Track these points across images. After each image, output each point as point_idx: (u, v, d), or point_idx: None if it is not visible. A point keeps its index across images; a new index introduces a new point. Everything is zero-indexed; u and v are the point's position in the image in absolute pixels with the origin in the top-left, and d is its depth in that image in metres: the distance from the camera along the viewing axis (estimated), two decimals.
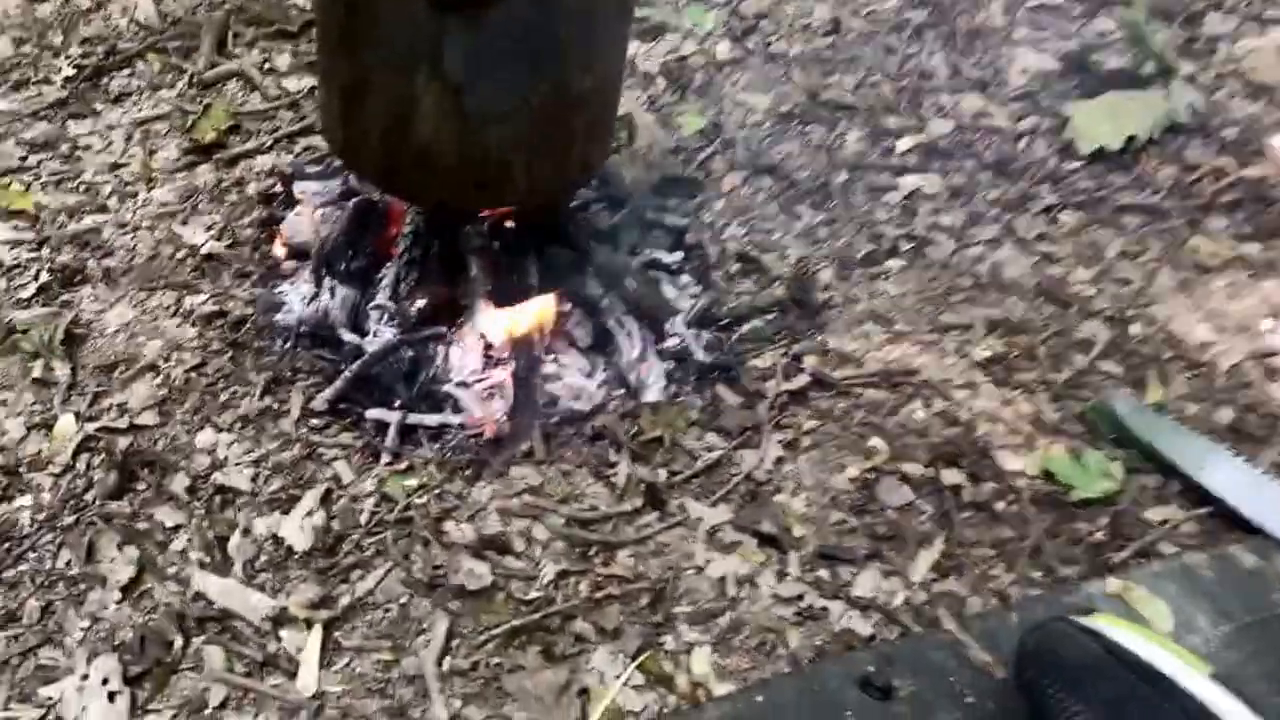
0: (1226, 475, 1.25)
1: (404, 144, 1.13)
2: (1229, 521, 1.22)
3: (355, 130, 1.19)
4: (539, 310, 1.31)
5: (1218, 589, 1.14)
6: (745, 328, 1.43)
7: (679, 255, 1.52)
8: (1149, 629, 0.90)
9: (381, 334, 1.30)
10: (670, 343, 1.38)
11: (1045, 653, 0.92)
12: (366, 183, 1.38)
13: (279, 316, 1.36)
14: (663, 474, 1.24)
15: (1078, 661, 0.89)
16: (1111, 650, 0.88)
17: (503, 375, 1.27)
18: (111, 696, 1.01)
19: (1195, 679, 0.85)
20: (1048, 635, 0.93)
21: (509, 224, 1.32)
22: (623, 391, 1.32)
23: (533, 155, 1.16)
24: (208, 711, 1.02)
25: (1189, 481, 1.26)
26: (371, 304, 1.33)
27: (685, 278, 1.50)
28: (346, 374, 1.27)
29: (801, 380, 1.36)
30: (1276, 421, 1.37)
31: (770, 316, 1.45)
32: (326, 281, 1.34)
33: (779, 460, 1.27)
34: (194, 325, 1.36)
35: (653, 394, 1.31)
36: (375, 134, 1.16)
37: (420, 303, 1.29)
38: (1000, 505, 1.24)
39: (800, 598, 1.13)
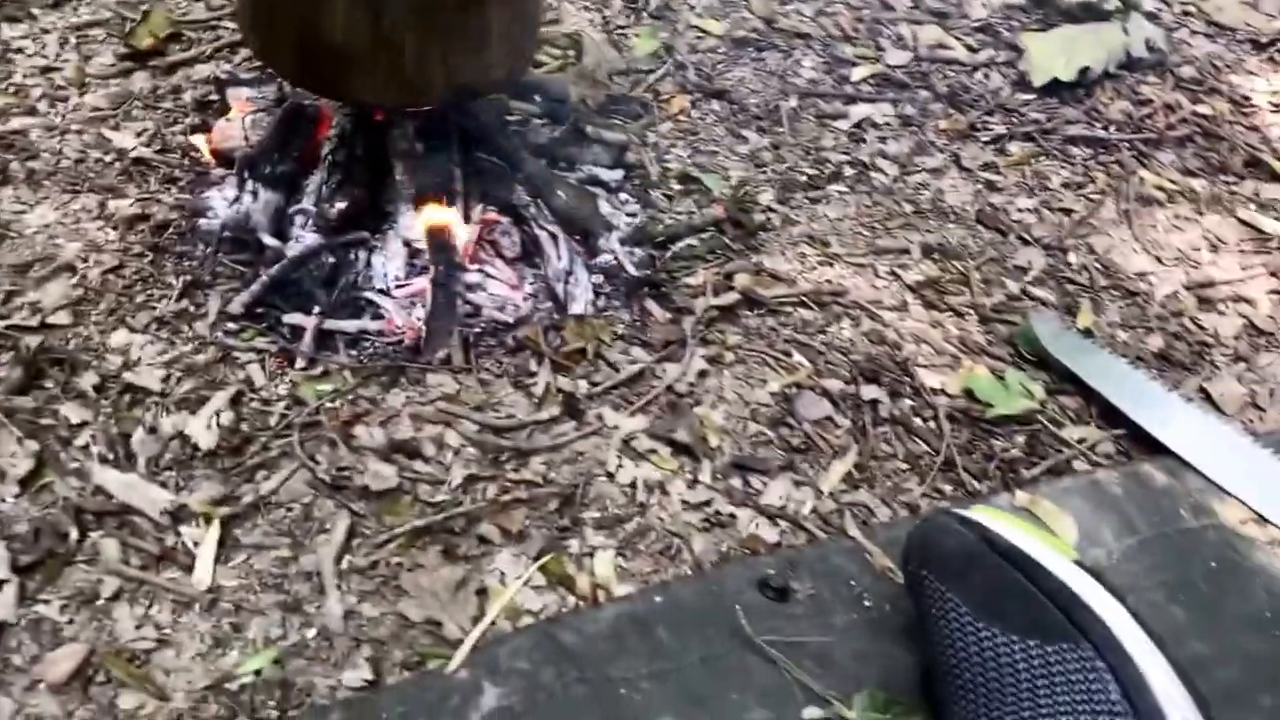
0: (1144, 398, 1.24)
1: (316, 37, 1.12)
2: (1145, 443, 1.22)
3: (267, 23, 1.17)
4: (463, 218, 1.29)
5: (1126, 504, 1.13)
6: (679, 245, 1.42)
7: (619, 173, 1.51)
8: (1020, 520, 0.89)
9: (303, 239, 1.29)
10: (603, 259, 1.37)
11: (927, 545, 0.92)
12: (284, 79, 1.37)
13: (203, 221, 1.34)
14: (583, 385, 1.24)
15: (956, 551, 0.89)
16: (987, 539, 0.87)
17: (424, 282, 1.26)
18: None
19: (1060, 562, 0.85)
20: (930, 528, 0.93)
21: (436, 130, 1.31)
22: (550, 304, 1.31)
23: (449, 51, 1.14)
24: (99, 602, 1.01)
25: (1107, 404, 1.25)
26: (295, 208, 1.32)
27: (624, 196, 1.49)
28: (264, 278, 1.25)
29: (731, 297, 1.35)
30: (1204, 349, 1.37)
31: (706, 236, 1.44)
32: (249, 185, 1.32)
33: (702, 374, 1.26)
34: (115, 228, 1.34)
35: (579, 307, 1.30)
36: (287, 26, 1.14)
37: (341, 206, 1.27)
38: (917, 421, 1.23)
39: (709, 503, 1.13)
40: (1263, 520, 1.14)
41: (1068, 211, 1.55)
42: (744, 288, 1.35)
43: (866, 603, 1.03)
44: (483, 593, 1.04)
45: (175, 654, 0.98)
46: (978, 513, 0.92)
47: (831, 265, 1.42)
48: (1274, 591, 1.08)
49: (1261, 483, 1.16)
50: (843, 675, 0.96)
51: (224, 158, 1.41)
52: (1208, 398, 1.30)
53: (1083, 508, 1.13)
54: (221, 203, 1.35)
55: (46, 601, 1.01)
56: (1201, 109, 1.76)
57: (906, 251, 1.45)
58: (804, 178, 1.56)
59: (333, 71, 1.16)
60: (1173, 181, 1.62)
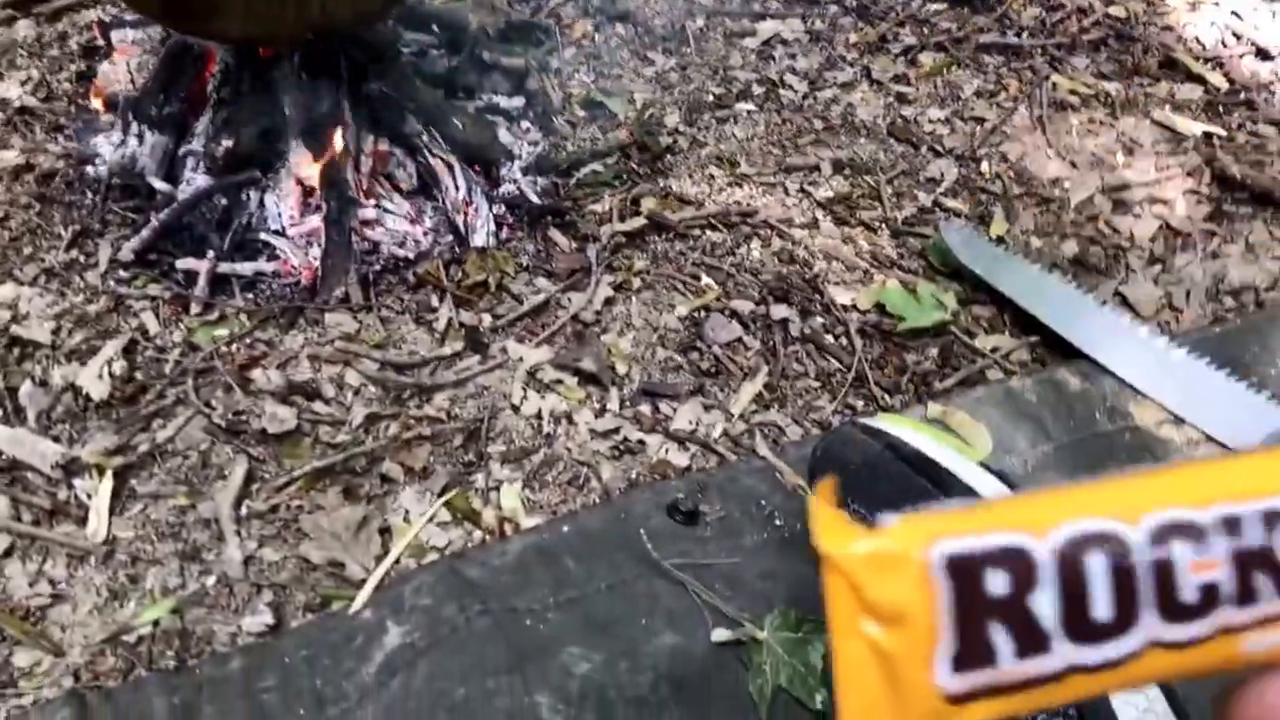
0: (1058, 304, 1.23)
1: None
2: (1059, 349, 1.21)
3: None
4: (355, 151, 1.25)
5: (1040, 411, 1.12)
6: (584, 172, 1.39)
7: (520, 101, 1.47)
8: (924, 424, 0.88)
9: (193, 181, 1.25)
10: (505, 189, 1.34)
11: (831, 456, 0.90)
12: (151, 19, 1.32)
13: (90, 169, 1.30)
14: (487, 318, 1.21)
15: (861, 461, 0.87)
16: (891, 446, 0.86)
17: (318, 220, 1.23)
18: None
19: (965, 466, 0.84)
20: (835, 439, 0.91)
21: (325, 63, 1.27)
22: (451, 238, 1.28)
23: None
24: None
25: (1021, 311, 1.24)
26: (184, 150, 1.27)
27: (526, 124, 1.45)
28: (154, 223, 1.21)
29: (637, 223, 1.32)
30: (1119, 253, 1.35)
31: (612, 161, 1.41)
32: (135, 128, 1.28)
33: (608, 301, 1.24)
34: (0, 180, 1.29)
35: (480, 238, 1.27)
36: None
37: (228, 145, 1.23)
38: (828, 338, 1.21)
39: (617, 431, 1.11)
40: (1179, 421, 1.13)
41: (980, 120, 1.53)
42: (650, 212, 1.33)
43: (777, 521, 1.02)
44: (386, 532, 1.02)
45: (71, 609, 0.96)
46: (882, 421, 0.90)
47: (740, 185, 1.40)
48: None
49: (1177, 383, 1.15)
50: (753, 595, 0.95)
51: (110, 103, 1.37)
52: (1124, 301, 1.29)
53: (997, 416, 1.12)
54: (109, 148, 1.31)
55: None
56: (1115, 11, 1.74)
57: (817, 168, 1.43)
58: (711, 98, 1.54)
59: (199, 7, 1.11)
60: (1086, 85, 1.60)
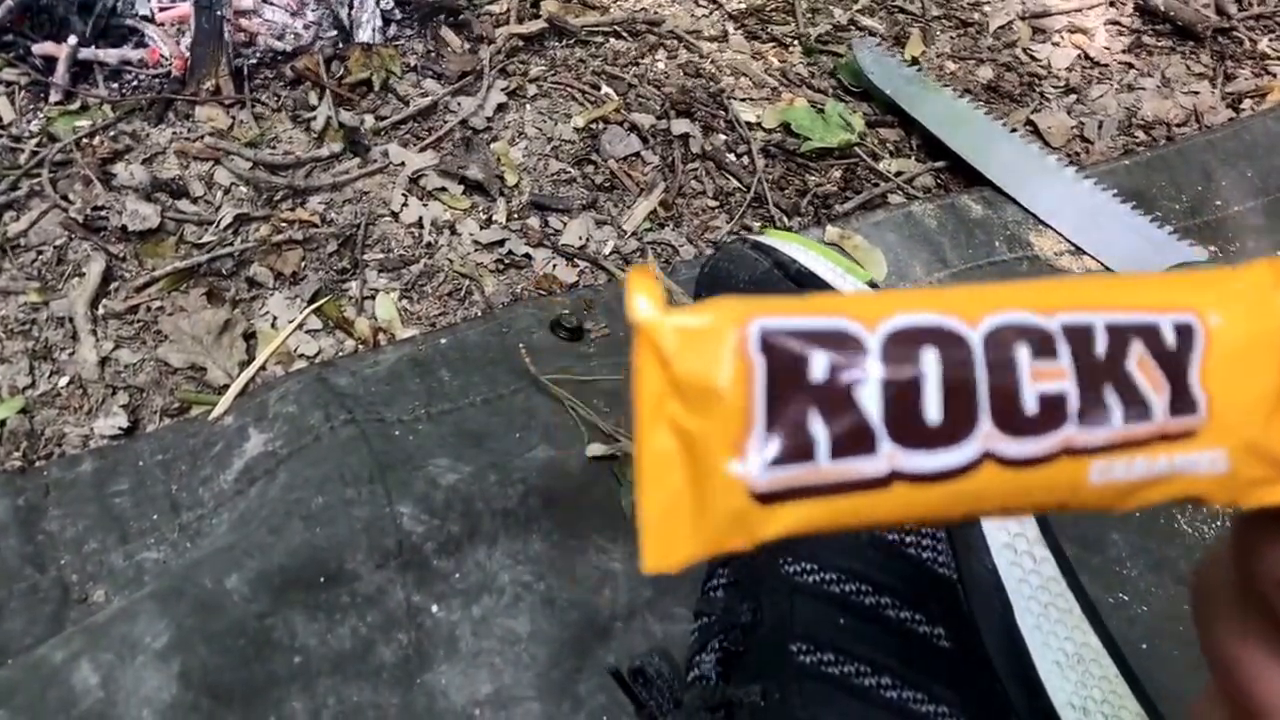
0: (966, 129, 1.18)
1: None
2: (965, 175, 1.17)
3: None
4: None
5: (939, 237, 1.09)
6: None
7: None
8: (814, 242, 0.84)
9: None
10: None
11: (717, 274, 0.86)
12: None
13: None
14: (369, 119, 1.14)
15: (747, 279, 0.83)
16: (779, 263, 0.82)
17: (189, 6, 1.14)
18: None
19: (851, 284, 0.80)
20: (723, 256, 0.87)
21: None
22: (335, 33, 1.20)
23: None
24: None
25: (929, 135, 1.19)
26: None
27: None
28: (9, 2, 1.12)
29: (537, 25, 1.25)
30: (1034, 81, 1.31)
31: None
32: None
33: (500, 108, 1.17)
34: None
35: (365, 34, 1.20)
36: None
37: None
38: (730, 157, 1.16)
39: (502, 244, 1.06)
40: (1078, 251, 1.11)
41: None
42: (551, 15, 1.26)
43: None
44: (252, 337, 0.97)
45: None
46: (769, 236, 0.86)
47: None
48: None
49: (1079, 213, 1.12)
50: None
51: None
52: (1034, 130, 1.25)
53: (895, 240, 1.08)
54: None
55: None
56: None
57: None
58: None
59: None
60: None
